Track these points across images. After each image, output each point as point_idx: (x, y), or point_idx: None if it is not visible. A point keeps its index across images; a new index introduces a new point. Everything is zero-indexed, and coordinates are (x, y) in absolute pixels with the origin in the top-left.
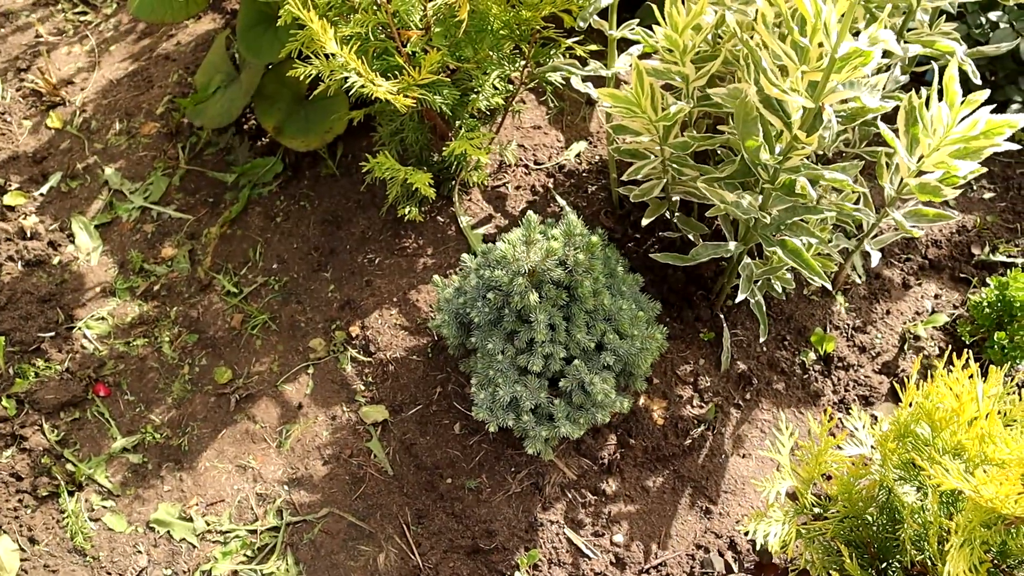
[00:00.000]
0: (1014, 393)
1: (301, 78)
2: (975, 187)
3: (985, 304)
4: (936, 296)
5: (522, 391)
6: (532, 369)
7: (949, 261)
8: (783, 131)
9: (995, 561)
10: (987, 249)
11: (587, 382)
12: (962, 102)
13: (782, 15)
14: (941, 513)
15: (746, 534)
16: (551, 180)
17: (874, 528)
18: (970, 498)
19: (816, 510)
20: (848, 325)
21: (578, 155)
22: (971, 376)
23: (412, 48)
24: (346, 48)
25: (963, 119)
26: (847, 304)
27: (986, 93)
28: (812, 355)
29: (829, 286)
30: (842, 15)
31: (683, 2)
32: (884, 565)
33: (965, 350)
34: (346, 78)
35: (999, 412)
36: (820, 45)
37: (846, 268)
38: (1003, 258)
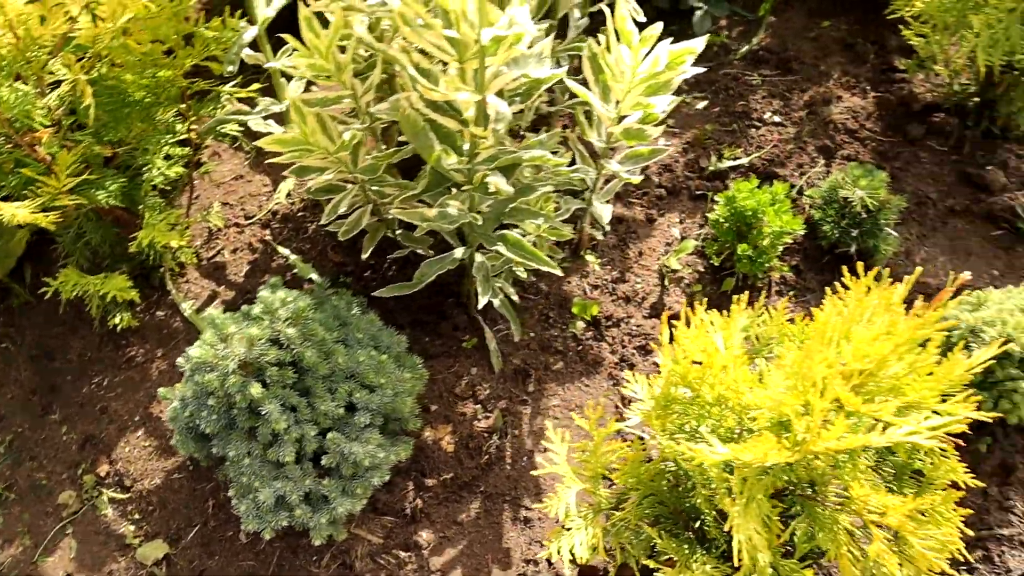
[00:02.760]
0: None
1: None
2: (688, 100)
3: (722, 220)
4: (681, 222)
5: (285, 486)
6: (286, 460)
7: (683, 182)
8: (462, 130)
9: (788, 489)
10: (714, 159)
11: (347, 452)
12: (640, 40)
13: (427, 9)
14: (724, 471)
15: (548, 559)
16: (268, 231)
17: (674, 497)
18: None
19: (614, 500)
20: (607, 281)
21: (289, 194)
22: (713, 321)
23: (48, 150)
24: None
25: (646, 57)
26: (600, 260)
27: (659, 26)
28: (580, 324)
29: (558, 272)
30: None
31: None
32: (698, 524)
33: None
34: None
35: (755, 337)
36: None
37: (585, 228)
38: (730, 163)
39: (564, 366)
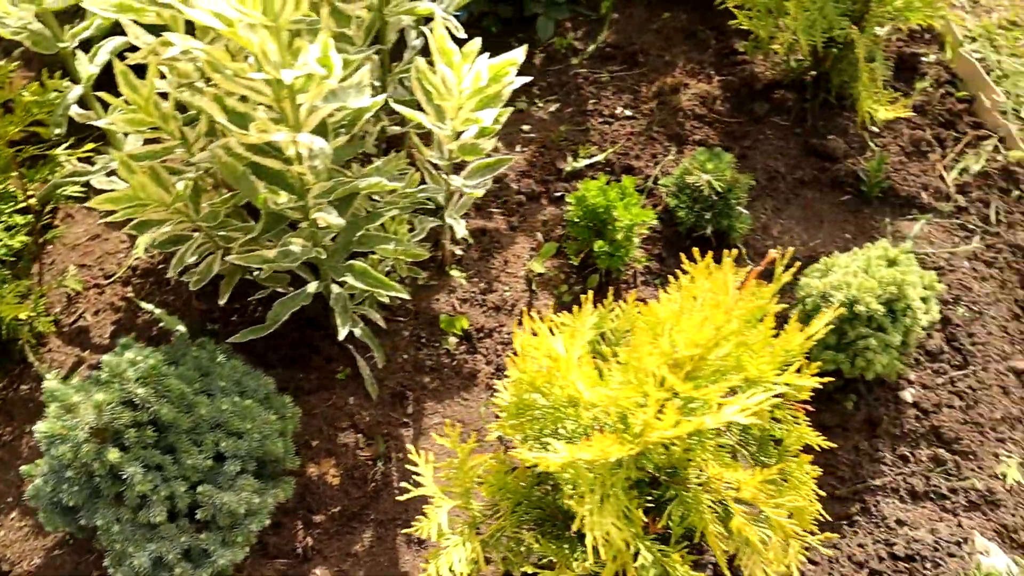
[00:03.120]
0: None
1: None
2: (540, 103)
3: (576, 220)
4: (544, 225)
5: (161, 546)
6: (158, 521)
7: (542, 186)
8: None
9: (655, 477)
10: (570, 159)
11: (219, 503)
12: (462, 56)
13: (231, 55)
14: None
15: None
16: (129, 288)
17: (549, 500)
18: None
19: (490, 512)
20: (476, 293)
21: (148, 248)
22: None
23: None
24: None
25: (470, 73)
26: (466, 274)
27: (477, 42)
28: (452, 339)
29: (404, 296)
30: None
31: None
32: (577, 523)
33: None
34: None
35: (611, 331)
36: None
37: (446, 244)
38: (586, 161)
39: (441, 383)
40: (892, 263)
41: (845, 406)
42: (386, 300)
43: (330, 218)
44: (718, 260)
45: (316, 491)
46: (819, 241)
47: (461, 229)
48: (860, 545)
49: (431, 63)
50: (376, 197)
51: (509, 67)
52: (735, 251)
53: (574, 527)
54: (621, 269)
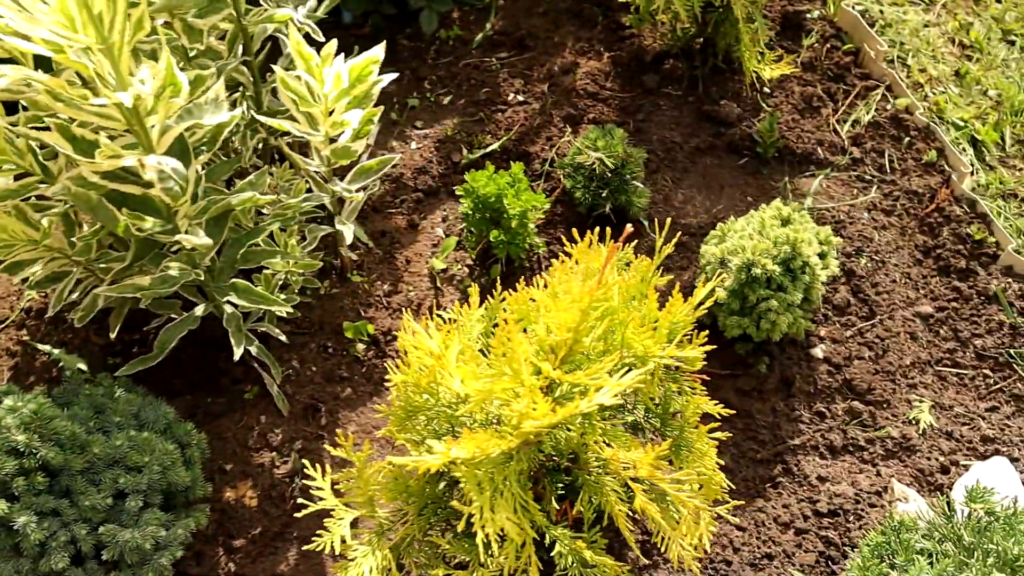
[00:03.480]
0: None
1: None
2: (433, 98)
3: (470, 212)
4: (444, 220)
5: None
6: (60, 567)
7: (440, 181)
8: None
9: (557, 463)
10: (465, 151)
11: (123, 541)
12: (321, 59)
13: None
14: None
15: None
16: (24, 331)
17: (457, 499)
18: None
19: (397, 518)
20: (380, 296)
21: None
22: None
23: None
24: None
25: (331, 75)
26: (369, 278)
27: (334, 43)
28: (360, 345)
29: (286, 311)
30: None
31: None
32: None
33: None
34: None
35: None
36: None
37: (344, 250)
38: (482, 151)
39: (352, 391)
40: (786, 222)
41: (759, 369)
42: (285, 314)
43: (194, 239)
44: (617, 238)
45: (235, 515)
46: (721, 207)
47: (350, 234)
48: (785, 506)
49: (291, 69)
50: (267, 211)
51: (371, 65)
52: (629, 227)
53: (459, 526)
54: (523, 256)
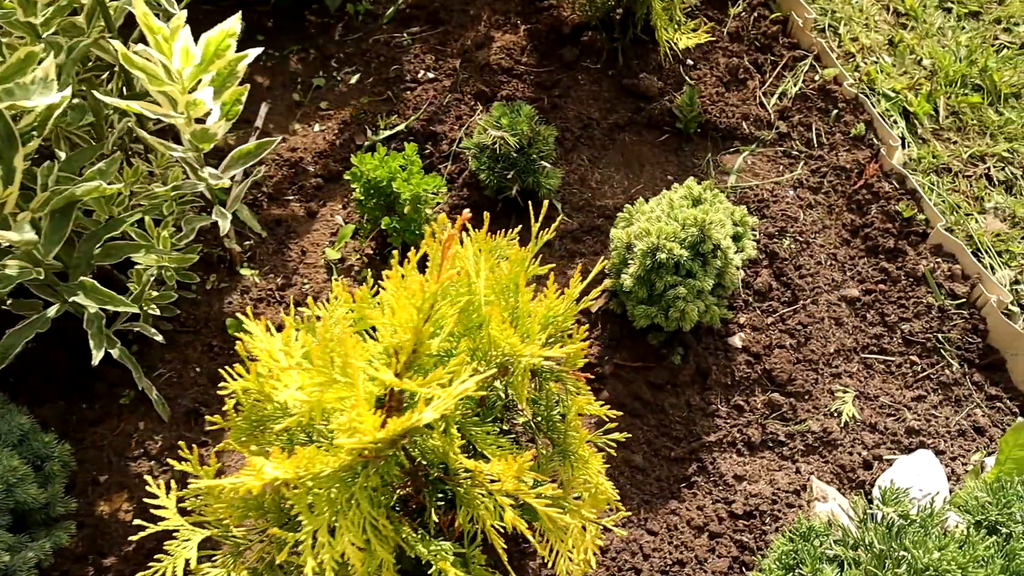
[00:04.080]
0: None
1: None
2: (339, 76)
3: (362, 198)
4: (344, 207)
5: None
6: None
7: (340, 165)
8: None
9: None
10: (370, 133)
11: None
12: (171, 32)
13: None
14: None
15: None
16: None
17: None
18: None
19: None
20: (272, 290)
21: None
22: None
23: None
24: None
25: (178, 50)
26: (260, 271)
27: (183, 14)
28: None
29: (132, 309)
30: None
31: None
32: None
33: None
34: None
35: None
36: None
37: (230, 241)
38: (387, 133)
39: None
40: (697, 202)
41: (673, 361)
42: (156, 312)
43: (11, 235)
44: (526, 223)
45: (108, 531)
46: (641, 186)
47: (227, 224)
48: (699, 508)
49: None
50: (143, 202)
51: (228, 38)
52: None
53: (279, 557)
54: (420, 245)
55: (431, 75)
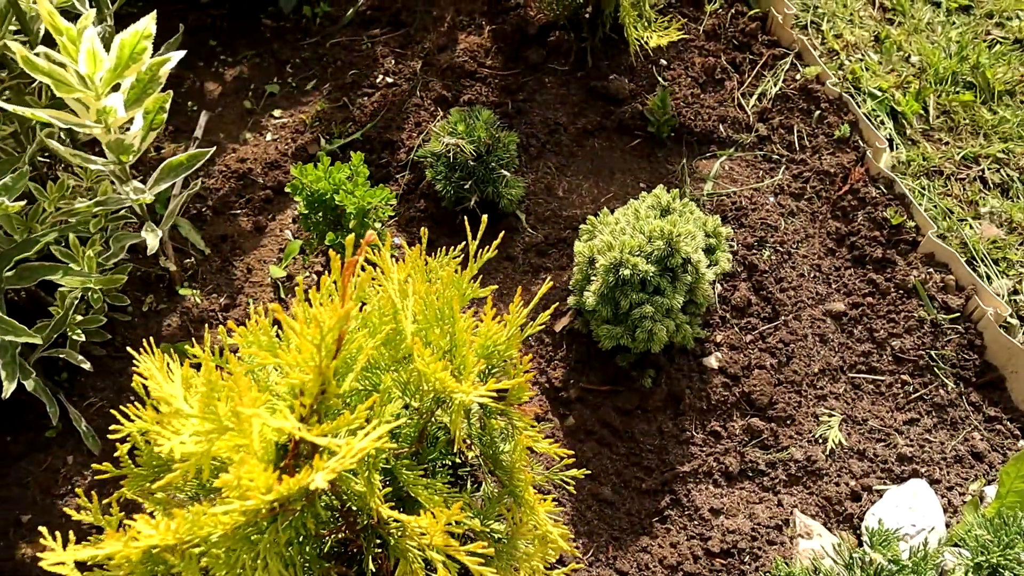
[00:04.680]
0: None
1: None
2: (294, 82)
3: (308, 214)
4: (295, 221)
5: None
6: None
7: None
8: None
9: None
10: (323, 142)
11: None
12: (77, 32)
13: None
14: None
15: None
16: None
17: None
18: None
19: None
20: (216, 311)
21: None
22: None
23: None
24: None
25: (84, 52)
26: (201, 291)
27: (92, 13)
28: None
29: (35, 339)
30: None
31: None
32: None
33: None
34: None
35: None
36: None
37: (169, 258)
38: (342, 141)
39: None
40: (666, 212)
41: (643, 384)
42: (90, 337)
43: None
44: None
45: None
46: (611, 195)
47: (154, 243)
48: (673, 545)
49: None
50: (72, 220)
51: (143, 40)
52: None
53: None
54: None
55: (390, 80)
